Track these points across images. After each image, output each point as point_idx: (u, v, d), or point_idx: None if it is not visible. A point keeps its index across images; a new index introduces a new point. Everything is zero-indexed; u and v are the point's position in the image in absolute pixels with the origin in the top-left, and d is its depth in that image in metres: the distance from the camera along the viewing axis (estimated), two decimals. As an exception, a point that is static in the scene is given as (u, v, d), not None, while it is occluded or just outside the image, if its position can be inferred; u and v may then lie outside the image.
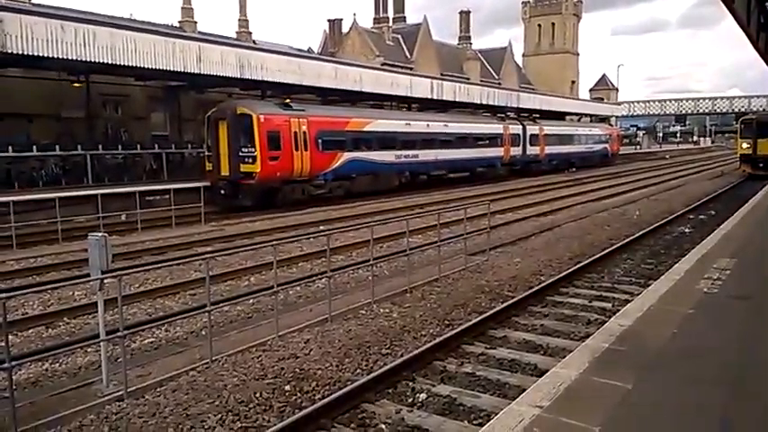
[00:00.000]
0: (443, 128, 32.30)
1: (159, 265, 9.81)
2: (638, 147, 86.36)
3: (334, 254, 12.86)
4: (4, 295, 5.49)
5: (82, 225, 16.83)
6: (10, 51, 17.30)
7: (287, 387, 6.13)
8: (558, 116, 50.19)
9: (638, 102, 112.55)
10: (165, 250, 14.62)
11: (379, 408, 5.79)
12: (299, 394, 6.01)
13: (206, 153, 23.13)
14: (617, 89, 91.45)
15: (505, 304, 8.89)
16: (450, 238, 13.54)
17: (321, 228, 17.95)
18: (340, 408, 5.70)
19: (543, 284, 10.07)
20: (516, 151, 38.77)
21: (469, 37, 71.17)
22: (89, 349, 7.45)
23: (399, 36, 58.58)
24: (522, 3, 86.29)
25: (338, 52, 51.92)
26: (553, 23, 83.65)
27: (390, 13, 60.80)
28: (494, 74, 69.61)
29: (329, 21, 57.60)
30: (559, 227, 17.28)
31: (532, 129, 41.07)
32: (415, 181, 30.86)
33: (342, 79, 28.13)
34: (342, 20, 57.03)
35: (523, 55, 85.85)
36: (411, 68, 49.69)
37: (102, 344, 6.26)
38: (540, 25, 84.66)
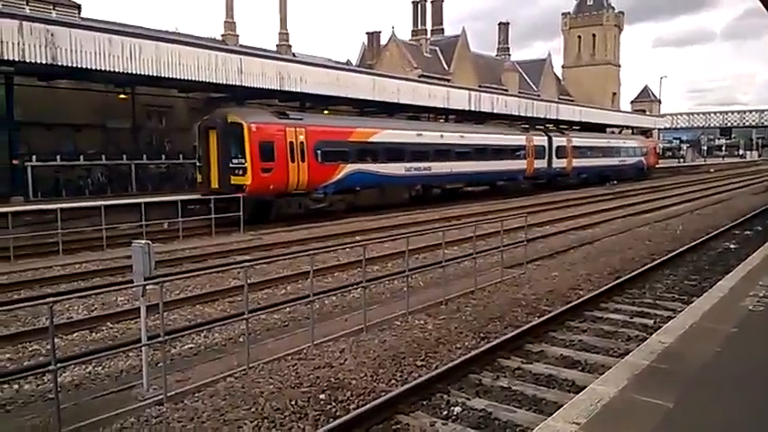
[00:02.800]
0: (459, 139, 30.59)
1: (199, 273, 9.99)
2: (682, 160, 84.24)
3: (370, 264, 12.90)
4: (51, 299, 5.69)
5: (125, 232, 17.30)
6: (60, 64, 18.03)
7: (322, 396, 6.17)
8: (599, 128, 49.35)
9: (681, 114, 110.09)
10: (204, 258, 14.92)
11: (414, 419, 5.77)
12: (333, 403, 6.04)
13: (197, 164, 22.04)
14: (659, 101, 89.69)
15: (543, 318, 8.77)
16: (487, 251, 13.43)
17: (357, 238, 18.09)
18: (374, 418, 5.70)
19: (582, 299, 9.89)
20: (541, 164, 36.79)
21: (508, 48, 71.01)
22: (130, 354, 7.63)
23: (437, 48, 58.74)
24: (563, 14, 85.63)
25: (376, 64, 52.36)
26: (594, 35, 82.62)
27: (429, 26, 61.07)
28: (532, 85, 69.10)
29: (368, 33, 58.24)
30: (599, 241, 16.97)
31: (559, 140, 39.08)
32: (428, 195, 29.19)
33: (379, 91, 28.37)
34: (380, 32, 57.62)
35: (563, 66, 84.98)
36: (449, 80, 49.73)
37: (143, 349, 6.42)
38: (580, 36, 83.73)
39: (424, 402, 6.19)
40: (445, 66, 57.01)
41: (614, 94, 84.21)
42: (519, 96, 44.80)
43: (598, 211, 25.09)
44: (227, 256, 15.37)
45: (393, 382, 6.66)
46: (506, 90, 54.67)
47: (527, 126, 38.96)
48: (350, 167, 23.88)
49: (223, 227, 18.72)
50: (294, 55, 39.41)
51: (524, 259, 12.70)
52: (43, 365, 6.86)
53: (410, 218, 22.84)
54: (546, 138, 37.86)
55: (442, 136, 29.37)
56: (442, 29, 63.50)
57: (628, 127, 57.88)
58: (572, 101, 62.70)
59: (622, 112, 66.58)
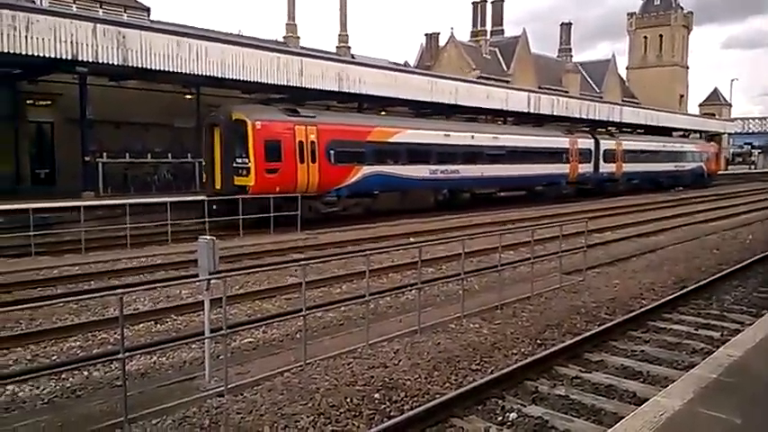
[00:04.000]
0: (492, 140, 28.54)
1: (259, 269, 10.29)
2: (753, 166, 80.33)
3: (424, 266, 12.94)
4: (121, 291, 5.96)
5: (188, 228, 17.89)
6: (131, 65, 18.84)
7: (376, 395, 6.21)
8: (664, 132, 47.60)
9: (753, 118, 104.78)
10: (262, 255, 15.27)
11: (468, 423, 5.74)
12: (387, 403, 6.07)
13: (203, 163, 21.27)
14: (730, 105, 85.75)
15: (602, 327, 8.54)
16: (544, 256, 13.19)
17: (411, 240, 18.13)
18: (428, 420, 5.70)
19: (644, 308, 9.59)
20: (586, 168, 34.69)
21: (570, 49, 69.40)
22: (193, 345, 7.90)
23: (496, 49, 58.07)
24: (628, 14, 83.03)
25: (434, 66, 52.24)
26: (661, 35, 79.78)
27: (488, 27, 60.45)
28: (595, 87, 67.38)
29: (426, 35, 58.20)
30: (663, 249, 16.40)
31: (607, 143, 36.76)
32: (455, 200, 27.46)
33: (437, 93, 28.34)
34: (439, 34, 57.45)
35: (627, 68, 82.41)
36: (507, 81, 49.14)
37: (206, 341, 6.63)
38: (646, 37, 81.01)
39: (479, 407, 6.14)
40: (504, 67, 56.30)
41: (681, 96, 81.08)
42: (580, 98, 43.76)
43: (660, 219, 24.24)
44: (284, 253, 15.69)
45: (447, 385, 6.64)
46: (567, 92, 53.52)
47: (570, 128, 36.94)
48: (367, 169, 22.48)
49: (280, 226, 19.03)
50: (353, 56, 39.82)
51: (583, 266, 12.40)
52: (111, 354, 7.21)
53: (462, 221, 22.68)
54: (592, 140, 35.70)
55: (472, 137, 27.60)
56: (502, 29, 62.70)
57: (695, 131, 55.64)
58: (637, 103, 60.74)
59: (689, 115, 64.03)
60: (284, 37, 40.51)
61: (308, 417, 5.68)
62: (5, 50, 16.26)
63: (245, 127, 19.30)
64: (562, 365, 7.23)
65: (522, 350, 7.81)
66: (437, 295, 10.92)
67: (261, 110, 21.03)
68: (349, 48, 43.58)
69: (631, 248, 16.58)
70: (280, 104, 22.80)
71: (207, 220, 17.17)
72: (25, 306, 9.27)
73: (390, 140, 23.63)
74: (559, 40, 70.49)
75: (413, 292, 10.76)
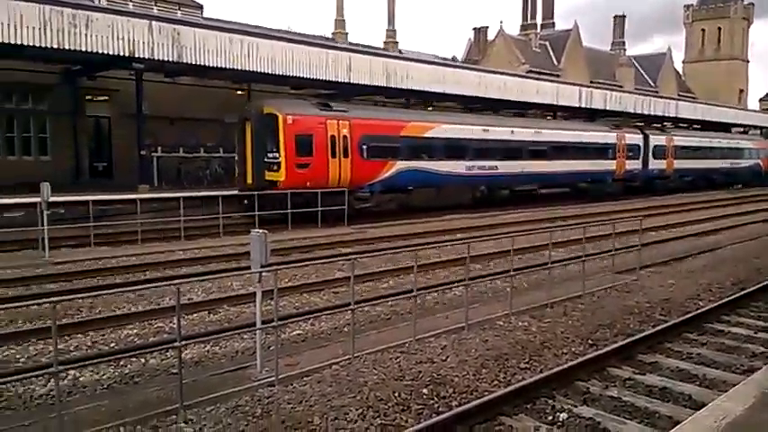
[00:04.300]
0: (533, 135, 27.70)
1: (309, 263, 10.41)
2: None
3: (471, 262, 12.85)
4: (178, 281, 6.14)
5: (238, 221, 18.27)
6: (185, 61, 19.32)
7: (424, 390, 6.21)
8: (722, 128, 45.82)
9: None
10: (311, 249, 15.47)
11: (517, 422, 5.68)
12: (435, 399, 6.07)
13: (236, 158, 21.34)
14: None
15: (657, 328, 8.30)
16: (596, 254, 12.91)
17: (458, 236, 18.03)
18: (477, 417, 5.66)
19: (701, 310, 9.27)
20: (634, 165, 33.49)
21: (623, 43, 67.49)
22: (244, 336, 8.07)
23: (547, 43, 57.00)
24: (685, 6, 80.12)
25: (482, 60, 51.67)
26: (719, 28, 76.67)
27: (539, 20, 59.39)
28: (650, 81, 65.37)
29: (474, 29, 57.63)
30: (721, 249, 15.81)
31: (657, 139, 35.28)
32: (494, 197, 26.58)
33: (485, 87, 28.06)
34: (487, 27, 56.80)
35: (684, 62, 79.59)
36: (558, 76, 48.17)
37: (257, 332, 6.76)
38: (704, 30, 77.99)
39: (528, 406, 6.06)
40: (555, 61, 55.23)
41: (741, 91, 77.78)
42: (634, 93, 42.55)
43: (717, 217, 23.38)
44: (332, 247, 15.87)
45: (496, 382, 6.58)
46: (621, 86, 52.09)
47: (617, 123, 35.69)
48: (401, 165, 22.09)
49: (327, 220, 19.21)
50: (401, 52, 39.81)
51: (637, 265, 12.07)
52: (168, 342, 7.43)
53: (508, 218, 22.42)
54: (641, 136, 34.38)
55: (512, 132, 26.72)
56: (553, 23, 61.50)
57: (755, 127, 53.34)
58: (694, 98, 58.63)
59: (749, 110, 61.40)
60: (332, 33, 40.83)
61: (356, 409, 5.73)
62: (67, 47, 16.90)
63: (275, 121, 19.14)
64: (615, 366, 7.06)
65: (573, 350, 7.67)
66: (484, 292, 10.83)
67: (292, 104, 21.00)
68: (396, 43, 43.61)
69: (687, 248, 16.03)
70: (312, 98, 22.82)
71: (256, 213, 17.41)
72: (86, 295, 9.61)
73: (425, 135, 23.20)
74: (612, 34, 68.68)
75: (460, 288, 10.76)
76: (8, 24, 15.88)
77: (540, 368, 7.02)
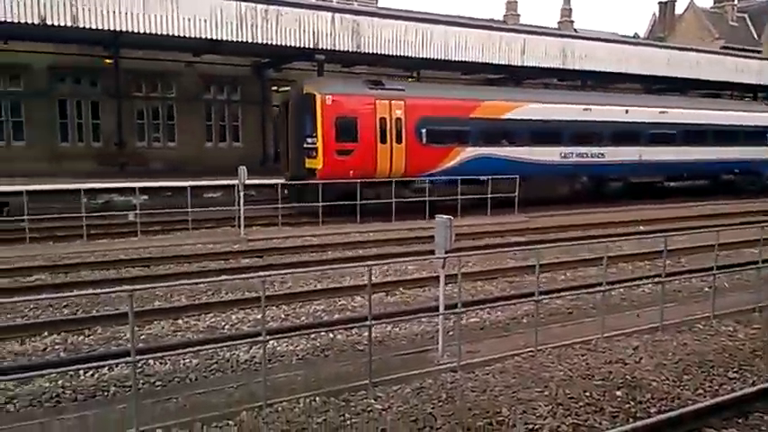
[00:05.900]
0: (657, 116, 23.10)
1: (487, 252, 10.33)
2: None
3: (653, 258, 12.01)
4: (370, 263, 6.36)
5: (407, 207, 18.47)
6: (363, 51, 19.95)
7: (618, 393, 5.82)
8: None
9: None
10: (480, 236, 15.31)
11: (728, 437, 5.12)
12: (632, 403, 5.65)
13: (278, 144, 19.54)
14: None
15: None
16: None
17: (640, 228, 16.79)
18: (679, 427, 5.20)
19: None
20: None
21: None
22: (423, 319, 8.18)
23: (745, 15, 50.60)
24: None
25: (668, 37, 47.28)
26: None
27: (737, -10, 52.81)
28: None
29: (660, 3, 52.76)
30: None
31: None
32: (602, 189, 22.92)
33: (674, 66, 25.63)
34: (675, 1, 51.71)
35: None
36: (759, 52, 42.59)
37: (440, 317, 6.80)
38: None
39: (740, 420, 5.45)
40: (755, 35, 48.88)
41: None
42: None
43: None
44: (501, 235, 15.58)
45: (700, 391, 5.98)
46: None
47: None
48: (471, 151, 19.14)
49: (494, 208, 18.66)
50: (576, 31, 37.78)
51: None
52: (359, 320, 7.74)
53: (711, 209, 20.32)
54: None
55: (626, 111, 22.41)
56: (754, -8, 54.39)
57: None
58: None
59: None
60: (504, 15, 39.86)
61: (545, 405, 5.52)
62: (261, 41, 18.25)
63: (313, 102, 17.18)
64: None
65: (792, 362, 6.74)
66: (678, 290, 9.90)
67: (335, 83, 19.39)
68: (572, 22, 41.47)
69: None
70: (363, 76, 21.24)
71: (428, 199, 17.42)
72: (289, 271, 9.81)
73: (504, 117, 19.91)
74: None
75: (649, 285, 10.00)
76: (209, 21, 17.43)
77: (753, 380, 6.27)
